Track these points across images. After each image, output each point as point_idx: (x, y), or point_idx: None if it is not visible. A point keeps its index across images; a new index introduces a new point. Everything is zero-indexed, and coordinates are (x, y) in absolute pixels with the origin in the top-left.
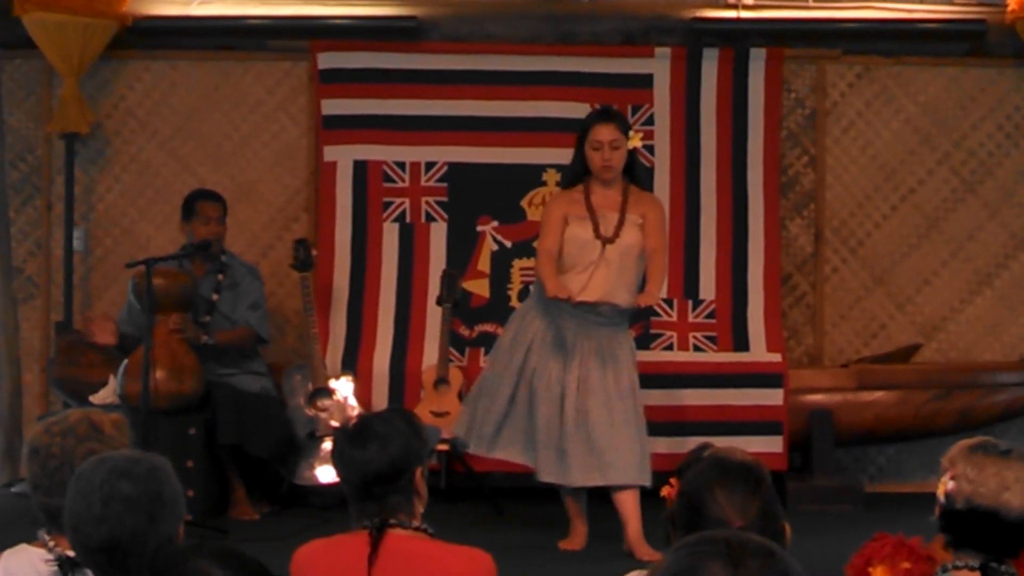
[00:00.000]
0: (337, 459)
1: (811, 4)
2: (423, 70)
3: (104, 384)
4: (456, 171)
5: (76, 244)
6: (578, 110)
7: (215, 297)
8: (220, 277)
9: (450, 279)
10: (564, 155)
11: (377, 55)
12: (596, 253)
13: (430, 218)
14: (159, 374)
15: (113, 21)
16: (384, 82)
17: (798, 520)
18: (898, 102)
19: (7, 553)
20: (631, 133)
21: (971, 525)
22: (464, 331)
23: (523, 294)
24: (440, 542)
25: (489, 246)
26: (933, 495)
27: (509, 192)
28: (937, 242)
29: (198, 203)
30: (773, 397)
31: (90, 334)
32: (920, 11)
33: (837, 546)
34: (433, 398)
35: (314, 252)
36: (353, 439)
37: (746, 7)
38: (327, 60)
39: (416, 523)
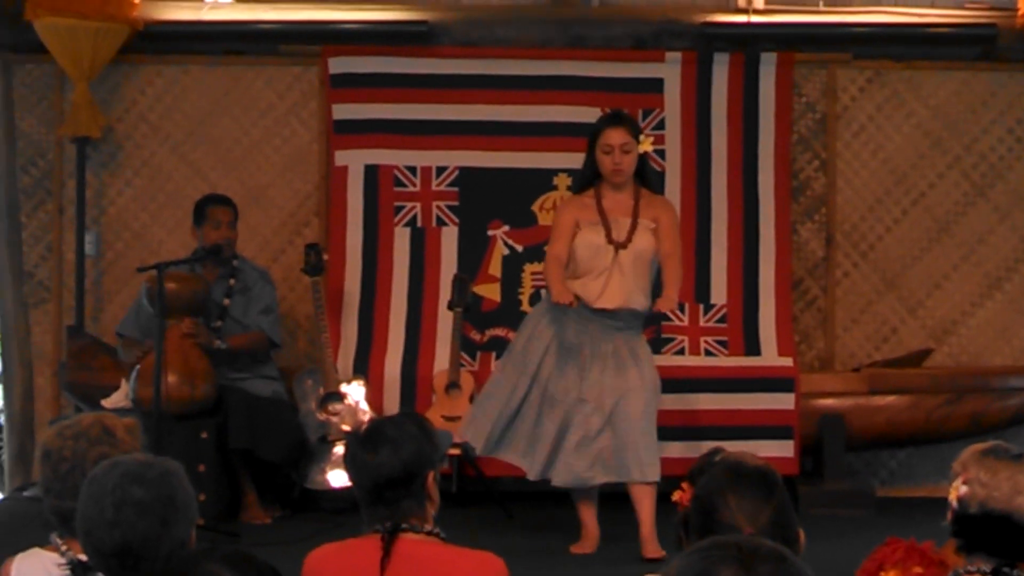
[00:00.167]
0: (349, 463)
1: (822, 8)
2: (434, 75)
3: (116, 388)
4: (467, 175)
5: (88, 248)
6: (589, 114)
7: (227, 302)
8: (232, 282)
9: (461, 283)
10: (575, 159)
11: (388, 60)
12: (609, 258)
13: (441, 222)
14: (171, 379)
15: (124, 26)
16: (395, 87)
17: (809, 524)
18: (909, 106)
19: (19, 557)
20: (642, 137)
21: (984, 529)
22: (475, 335)
23: (534, 298)
24: (452, 546)
25: (500, 250)
26: (945, 499)
27: (520, 196)
28: (948, 246)
29: (209, 208)
30: (784, 401)
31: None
32: (931, 15)
33: (849, 551)
34: (444, 402)
35: (325, 257)
36: (365, 443)
37: (757, 11)
38: (338, 65)
39: (428, 527)
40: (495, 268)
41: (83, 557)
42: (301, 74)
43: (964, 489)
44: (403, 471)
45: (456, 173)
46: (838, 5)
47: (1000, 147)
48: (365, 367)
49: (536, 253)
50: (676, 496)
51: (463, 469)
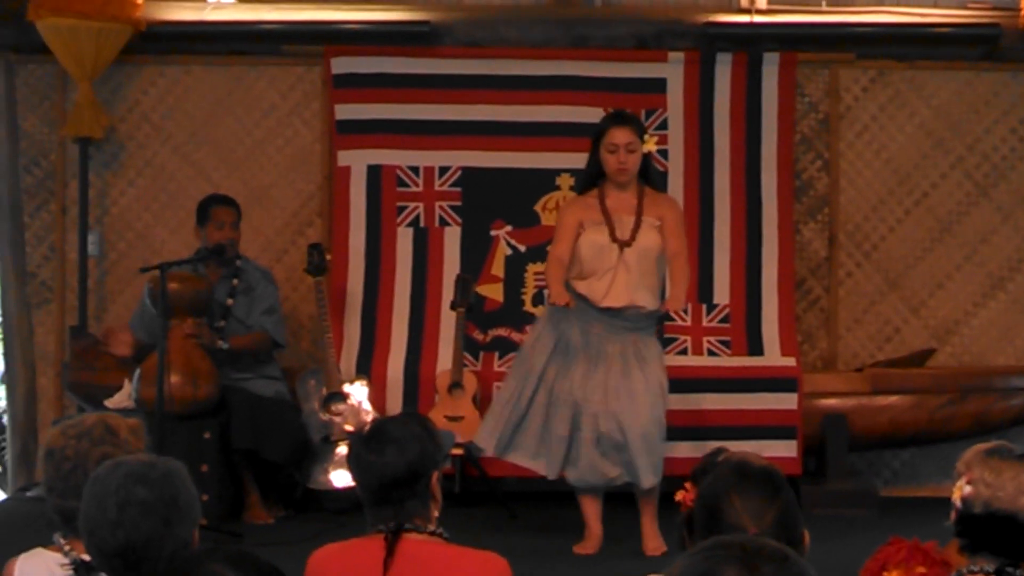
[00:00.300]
0: (354, 464)
1: (824, 8)
2: (436, 75)
3: (119, 388)
4: (470, 175)
5: (90, 248)
6: (591, 114)
7: (230, 302)
8: (235, 282)
9: (464, 283)
10: (577, 159)
11: (391, 60)
12: (614, 257)
13: (444, 222)
14: (174, 379)
15: (127, 26)
16: (397, 87)
17: (812, 524)
18: (912, 106)
19: (23, 557)
20: (646, 137)
21: (988, 529)
22: (478, 335)
23: (537, 298)
24: (455, 546)
25: (503, 250)
26: (948, 499)
27: (523, 196)
28: (951, 246)
29: (212, 208)
30: (787, 401)
31: (107, 345)
32: (933, 15)
33: (851, 550)
34: (447, 402)
35: (328, 257)
36: (370, 444)
37: (759, 11)
38: (341, 65)
39: (431, 527)
40: (498, 268)
41: (86, 557)
42: (304, 74)
43: (968, 489)
44: (408, 471)
45: (459, 173)
46: (841, 5)
47: (1003, 147)
48: (368, 367)
49: (539, 253)
50: (679, 496)
51: (466, 469)
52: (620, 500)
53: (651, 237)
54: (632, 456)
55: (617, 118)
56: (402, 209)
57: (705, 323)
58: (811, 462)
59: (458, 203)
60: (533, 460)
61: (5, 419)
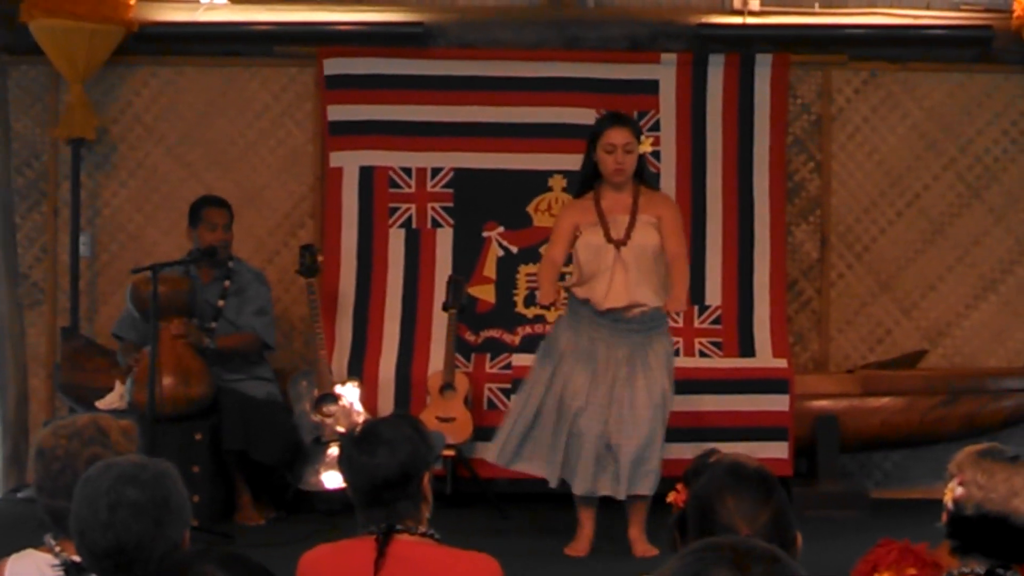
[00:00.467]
0: (345, 465)
1: (817, 10)
2: (429, 76)
3: (110, 389)
4: (462, 177)
5: (82, 249)
6: (584, 116)
7: (221, 303)
8: (227, 283)
9: (456, 285)
10: (570, 160)
11: (383, 61)
12: (611, 257)
13: (436, 224)
14: (166, 380)
15: (119, 27)
16: (390, 88)
17: (803, 526)
18: (904, 108)
19: (13, 558)
20: (642, 138)
21: (980, 531)
22: (470, 337)
23: (529, 300)
24: (446, 547)
25: (495, 252)
26: (939, 501)
27: (515, 198)
28: (943, 247)
29: (204, 210)
30: (779, 403)
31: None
32: (926, 17)
33: (843, 552)
34: (439, 404)
35: (320, 258)
36: (361, 445)
37: (752, 13)
38: (333, 66)
39: (423, 528)
40: (490, 269)
41: (77, 558)
42: (296, 75)
43: (960, 491)
44: (400, 472)
45: (451, 174)
46: (834, 7)
47: (995, 149)
48: (360, 368)
49: (531, 254)
50: (671, 497)
51: (457, 470)
52: (613, 503)
53: (648, 235)
54: (621, 468)
55: (614, 119)
56: (394, 210)
57: (697, 324)
58: (802, 463)
59: (450, 204)
60: (548, 466)
61: None
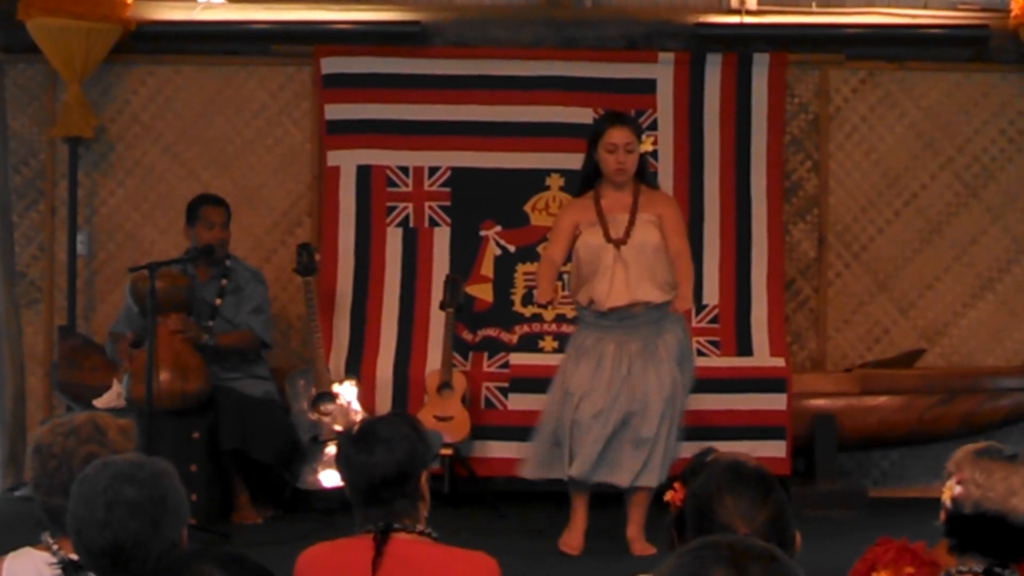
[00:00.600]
0: (343, 464)
1: (814, 9)
2: (427, 75)
3: (108, 388)
4: (459, 176)
5: (79, 248)
6: (581, 115)
7: (218, 302)
8: (224, 282)
9: (453, 284)
10: (568, 160)
11: (381, 60)
12: (610, 256)
13: (433, 223)
14: (164, 375)
15: (117, 26)
16: (387, 87)
17: (801, 525)
18: (901, 107)
19: (10, 556)
20: (643, 137)
21: (978, 530)
22: (467, 336)
23: (526, 298)
24: (444, 546)
25: (492, 251)
26: (937, 500)
27: (512, 197)
28: (940, 247)
29: (202, 208)
30: (776, 402)
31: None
32: (923, 16)
33: (840, 551)
34: (436, 402)
35: (317, 257)
36: (359, 444)
37: (749, 12)
38: (331, 65)
39: (420, 527)
40: (487, 268)
41: (74, 557)
42: (294, 74)
43: (958, 489)
44: (398, 471)
45: (448, 173)
46: (831, 6)
47: (992, 148)
48: (357, 367)
49: (528, 253)
50: (668, 496)
51: (455, 469)
52: (609, 499)
53: (648, 233)
54: (626, 458)
55: (615, 118)
56: (392, 209)
57: (694, 323)
58: (800, 463)
59: (447, 203)
60: (560, 469)
61: None
